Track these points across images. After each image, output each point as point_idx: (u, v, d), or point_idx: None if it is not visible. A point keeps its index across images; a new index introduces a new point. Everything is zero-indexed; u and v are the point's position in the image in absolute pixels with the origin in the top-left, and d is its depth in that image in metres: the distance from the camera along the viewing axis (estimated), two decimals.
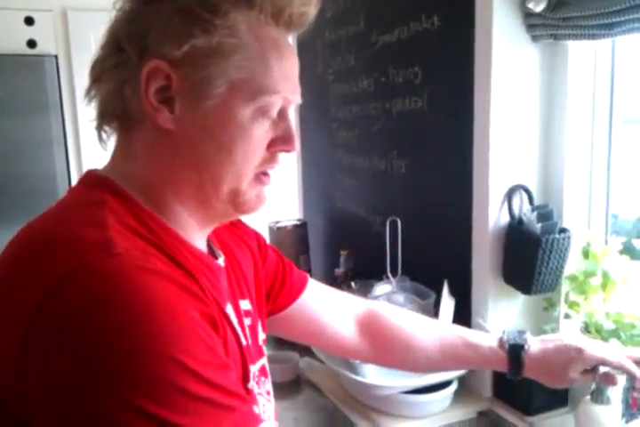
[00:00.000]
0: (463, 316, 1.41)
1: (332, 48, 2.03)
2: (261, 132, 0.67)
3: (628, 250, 1.41)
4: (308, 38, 2.18)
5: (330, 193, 2.12)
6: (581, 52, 1.40)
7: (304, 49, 2.24)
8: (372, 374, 1.28)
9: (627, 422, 0.90)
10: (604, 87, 1.43)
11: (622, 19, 1.18)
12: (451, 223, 1.52)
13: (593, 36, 1.32)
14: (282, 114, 0.69)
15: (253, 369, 0.74)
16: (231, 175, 0.67)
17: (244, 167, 0.67)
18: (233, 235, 0.85)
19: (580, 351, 0.88)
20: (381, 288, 1.43)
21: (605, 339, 1.19)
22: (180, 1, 0.64)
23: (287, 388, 1.50)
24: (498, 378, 1.35)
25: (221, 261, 0.76)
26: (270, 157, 0.70)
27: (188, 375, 0.53)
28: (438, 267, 1.54)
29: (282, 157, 0.72)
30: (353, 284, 1.54)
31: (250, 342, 0.75)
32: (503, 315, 1.38)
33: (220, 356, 0.59)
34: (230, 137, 0.65)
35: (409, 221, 1.62)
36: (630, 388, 0.93)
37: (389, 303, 1.41)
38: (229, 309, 0.72)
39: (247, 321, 0.77)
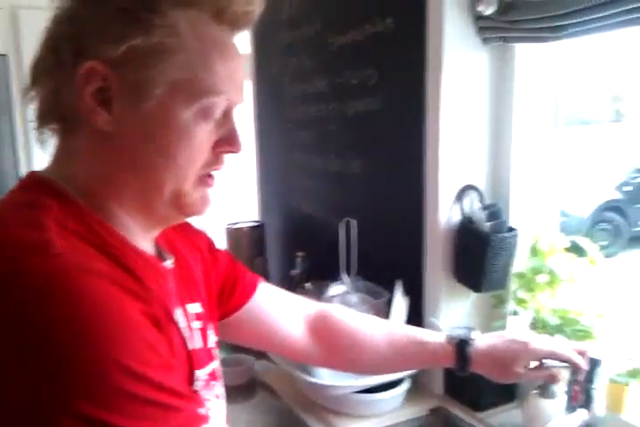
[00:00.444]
0: (417, 315, 1.43)
1: (289, 49, 2.03)
2: (204, 134, 0.67)
3: (576, 248, 1.45)
4: (264, 39, 2.18)
5: (287, 194, 2.12)
6: (529, 55, 1.44)
7: (260, 50, 2.25)
8: (325, 375, 1.29)
9: (567, 414, 0.93)
10: (551, 89, 1.48)
11: (568, 22, 1.21)
12: (404, 223, 1.54)
13: (540, 39, 1.36)
14: (226, 115, 0.69)
15: (203, 373, 0.73)
16: (173, 178, 0.66)
17: (186, 169, 0.66)
18: (182, 238, 0.84)
19: (525, 346, 0.90)
20: (336, 289, 1.44)
21: (551, 334, 1.22)
22: (118, 0, 0.63)
23: (242, 391, 1.49)
24: (449, 376, 1.37)
25: (169, 263, 0.75)
26: (215, 159, 0.69)
27: (129, 377, 0.52)
28: (392, 267, 1.55)
29: (227, 158, 0.71)
30: (307, 285, 1.54)
31: (199, 345, 0.75)
32: (455, 313, 1.41)
33: (162, 356, 0.59)
34: (172, 139, 0.65)
35: (364, 221, 1.64)
36: (573, 381, 0.95)
37: (343, 304, 1.42)
38: (178, 311, 0.72)
39: (197, 324, 0.76)
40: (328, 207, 1.87)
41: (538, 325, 1.28)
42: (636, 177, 6.59)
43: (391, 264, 1.57)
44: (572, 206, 6.24)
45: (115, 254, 0.62)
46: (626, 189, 6.47)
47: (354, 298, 1.41)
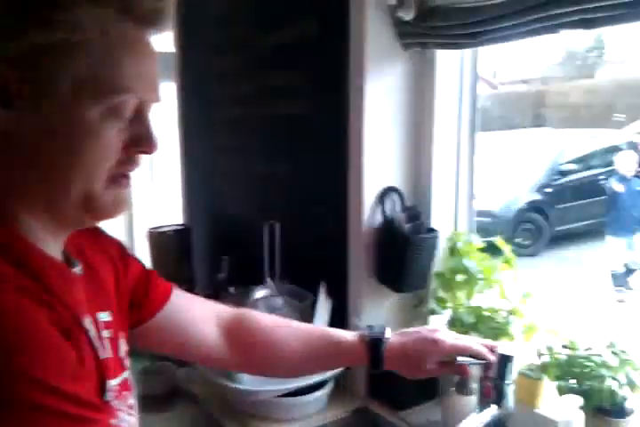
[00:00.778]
0: (341, 316, 1.44)
1: (216, 48, 2.01)
2: (113, 133, 0.65)
3: (493, 248, 1.49)
4: (189, 38, 2.14)
5: (212, 197, 2.09)
6: (448, 61, 1.48)
7: (186, 49, 2.20)
8: (247, 381, 1.27)
9: (480, 410, 0.96)
10: (469, 94, 1.52)
11: (485, 29, 1.25)
12: (328, 226, 1.55)
13: (458, 46, 1.40)
14: (138, 114, 0.67)
15: (113, 383, 0.71)
16: (81, 177, 0.64)
17: (94, 169, 0.64)
18: (92, 244, 0.81)
19: (435, 342, 0.92)
20: (260, 292, 1.43)
21: (466, 332, 1.26)
22: None
23: (163, 400, 1.45)
24: (372, 377, 1.39)
25: (78, 270, 0.72)
26: (127, 159, 0.67)
27: (38, 389, 0.51)
28: (317, 269, 1.56)
29: (141, 158, 0.69)
30: (231, 289, 1.52)
31: (109, 354, 0.72)
32: (378, 313, 1.42)
33: (72, 366, 0.57)
34: (76, 137, 0.62)
35: (289, 224, 1.63)
36: (484, 377, 0.98)
37: (268, 307, 1.41)
38: (87, 320, 0.69)
39: (107, 333, 0.73)
40: (253, 210, 1.86)
41: (456, 323, 1.31)
42: (556, 179, 6.92)
43: (316, 267, 1.57)
44: (498, 208, 6.48)
45: (19, 259, 0.59)
46: (547, 190, 6.79)
47: (278, 301, 1.41)
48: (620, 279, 5.05)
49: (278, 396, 1.26)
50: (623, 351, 1.18)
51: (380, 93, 1.41)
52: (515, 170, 7.06)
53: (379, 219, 1.43)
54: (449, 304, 1.41)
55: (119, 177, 0.68)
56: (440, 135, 1.47)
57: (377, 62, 1.40)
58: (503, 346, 0.99)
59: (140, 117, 0.67)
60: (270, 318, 0.99)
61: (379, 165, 1.43)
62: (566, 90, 16.33)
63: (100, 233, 0.85)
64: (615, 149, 7.48)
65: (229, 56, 1.93)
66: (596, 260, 5.73)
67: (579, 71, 19.70)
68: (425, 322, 1.42)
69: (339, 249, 1.47)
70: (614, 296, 5.06)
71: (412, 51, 1.45)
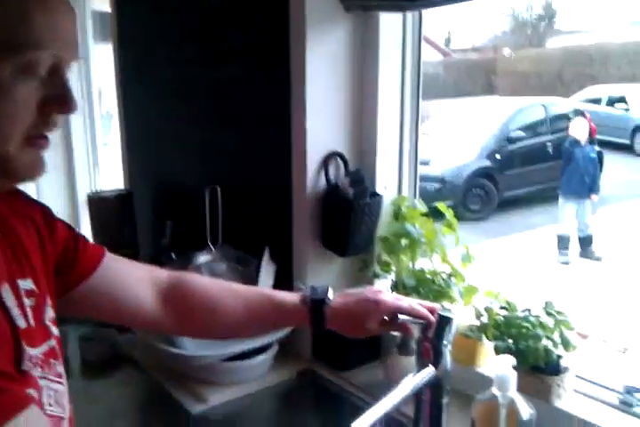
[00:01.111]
0: (285, 281, 1.43)
1: (157, 11, 1.91)
2: (27, 92, 0.62)
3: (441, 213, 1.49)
4: (130, 1, 2.03)
5: (155, 162, 2.02)
6: (391, 25, 1.45)
7: (124, 9, 2.09)
8: (190, 346, 1.26)
9: (418, 370, 0.97)
10: (413, 59, 1.50)
11: None
12: (272, 191, 1.52)
13: (399, 8, 1.37)
14: (54, 72, 0.64)
15: (37, 351, 0.68)
16: None
17: (8, 130, 0.62)
18: (12, 209, 0.77)
19: (377, 303, 0.92)
20: (202, 258, 1.40)
21: (408, 295, 1.27)
22: None
23: (105, 366, 1.43)
24: (316, 338, 1.40)
25: None
26: (44, 119, 0.65)
27: None
28: (261, 234, 1.54)
29: (58, 119, 0.67)
30: (173, 254, 1.49)
31: (32, 323, 0.69)
32: (322, 277, 1.42)
33: None
34: None
35: (233, 189, 1.60)
36: (423, 338, 0.99)
37: (211, 272, 1.39)
38: (3, 287, 0.66)
39: (29, 301, 0.70)
40: (197, 175, 1.81)
41: (398, 286, 1.32)
42: (505, 146, 7.05)
43: (260, 232, 1.55)
44: (449, 174, 6.58)
45: None
46: (496, 157, 6.92)
47: (221, 267, 1.39)
48: (566, 242, 5.22)
49: (222, 360, 1.25)
50: (559, 312, 1.22)
51: (323, 57, 1.37)
52: (466, 137, 7.15)
53: (323, 183, 1.41)
54: (393, 268, 1.42)
55: (36, 138, 0.66)
56: (384, 100, 1.45)
57: (318, 25, 1.36)
58: (443, 308, 1.00)
59: (55, 76, 0.65)
60: (209, 281, 0.97)
61: (322, 129, 1.41)
62: (516, 58, 16.55)
63: (21, 197, 0.80)
64: (563, 117, 7.65)
65: (171, 18, 1.85)
66: (544, 224, 5.91)
67: (529, 40, 19.94)
68: (369, 285, 1.43)
69: (283, 214, 1.45)
70: (559, 258, 5.24)
71: (354, 14, 1.41)
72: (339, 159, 1.43)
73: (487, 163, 6.86)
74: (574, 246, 5.32)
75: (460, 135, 7.27)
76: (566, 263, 5.18)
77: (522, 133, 7.19)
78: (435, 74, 18.07)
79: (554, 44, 18.69)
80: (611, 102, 10.82)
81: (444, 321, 1.00)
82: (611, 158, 6.69)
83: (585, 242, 5.29)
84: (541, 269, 5.05)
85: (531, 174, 6.92)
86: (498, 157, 6.91)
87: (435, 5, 1.38)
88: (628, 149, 9.99)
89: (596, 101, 11.00)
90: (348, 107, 1.44)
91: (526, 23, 24.30)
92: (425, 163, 6.79)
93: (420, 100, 1.55)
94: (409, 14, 1.45)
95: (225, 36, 1.63)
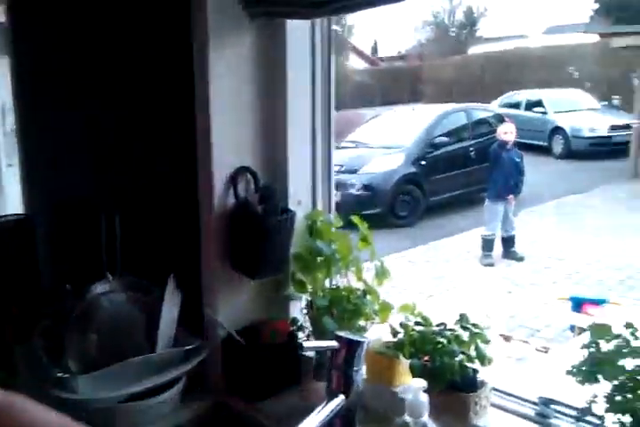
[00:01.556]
0: (194, 308, 1.34)
1: (54, 19, 1.78)
2: None
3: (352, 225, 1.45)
4: (25, 12, 1.90)
5: (54, 184, 1.87)
6: (299, 32, 1.40)
7: (22, 23, 1.95)
8: (85, 387, 1.13)
9: (328, 401, 0.92)
10: (323, 68, 1.46)
11: None
12: (178, 211, 1.43)
13: (304, 15, 1.32)
14: None
15: None
16: None
17: None
18: None
19: None
20: (100, 288, 1.29)
21: (322, 315, 1.22)
22: None
23: None
24: (229, 369, 1.31)
25: None
26: None
27: None
28: (166, 260, 1.45)
29: None
30: (67, 286, 1.37)
31: None
32: (234, 303, 1.34)
33: None
34: None
35: (134, 212, 1.50)
36: (331, 365, 0.94)
37: (110, 303, 1.28)
38: None
39: None
40: (95, 197, 1.69)
41: (313, 307, 1.27)
42: (430, 152, 7.20)
43: (165, 257, 1.46)
44: (376, 181, 6.65)
45: None
46: (422, 163, 7.05)
47: (121, 297, 1.28)
48: (490, 244, 5.35)
49: (120, 401, 1.14)
50: (474, 325, 1.20)
51: (227, 68, 1.31)
52: (393, 144, 7.25)
53: (232, 201, 1.34)
54: (309, 287, 1.36)
55: None
56: (294, 110, 1.40)
57: (221, 33, 1.29)
58: (351, 332, 0.96)
59: None
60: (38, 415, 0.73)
61: (230, 143, 1.34)
62: (441, 65, 17.07)
63: None
64: (484, 122, 7.91)
65: (66, 23, 1.73)
66: (470, 227, 6.05)
67: (452, 47, 20.62)
68: (285, 308, 1.37)
69: (190, 236, 1.37)
70: (482, 261, 5.37)
71: (260, 22, 1.36)
72: (248, 174, 1.37)
73: (413, 169, 6.99)
74: (498, 248, 5.46)
75: (387, 143, 7.38)
76: (491, 265, 5.31)
77: (445, 139, 7.38)
78: (362, 82, 18.37)
79: (476, 50, 19.40)
80: (529, 106, 11.31)
81: (354, 346, 0.95)
82: (531, 160, 6.95)
83: (508, 243, 5.44)
84: (467, 273, 5.15)
85: (455, 179, 7.10)
86: (423, 163, 7.05)
87: (340, 12, 1.35)
88: (546, 151, 10.47)
89: (516, 106, 11.48)
90: (256, 119, 1.38)
91: (449, 31, 25.14)
92: (352, 171, 6.85)
93: (333, 109, 1.51)
94: (317, 21, 1.42)
95: (125, 46, 1.54)
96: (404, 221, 6.63)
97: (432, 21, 26.39)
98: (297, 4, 1.28)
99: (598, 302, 3.54)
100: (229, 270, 1.33)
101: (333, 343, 0.92)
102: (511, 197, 5.25)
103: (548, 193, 7.57)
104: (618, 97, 10.30)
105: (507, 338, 2.66)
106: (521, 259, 5.32)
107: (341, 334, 0.95)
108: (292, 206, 1.40)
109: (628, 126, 9.33)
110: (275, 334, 1.30)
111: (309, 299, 1.31)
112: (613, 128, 9.93)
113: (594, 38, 14.59)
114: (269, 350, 1.27)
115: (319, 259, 1.36)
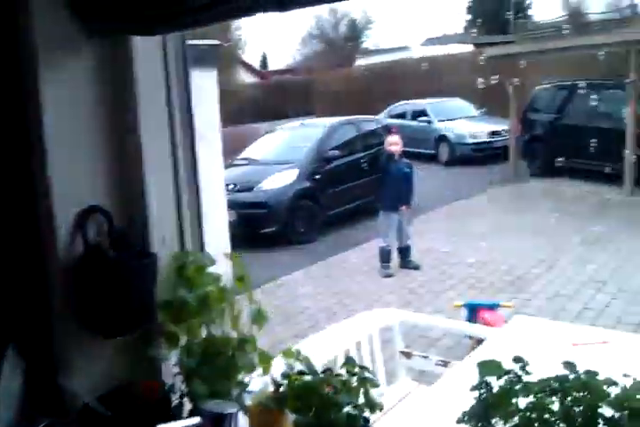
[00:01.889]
0: (47, 377, 1.13)
1: None
2: None
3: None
4: None
5: None
6: (149, 50, 1.25)
7: None
8: None
9: None
10: (180, 85, 1.32)
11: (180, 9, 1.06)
12: (19, 268, 1.21)
13: (147, 31, 1.18)
14: None
15: None
16: None
17: None
18: None
19: None
20: None
21: (192, 377, 1.06)
22: None
23: None
24: None
25: None
26: None
27: None
28: (6, 326, 1.22)
29: None
30: None
31: None
32: (94, 367, 1.15)
33: None
34: None
35: None
36: None
37: None
38: None
39: None
40: None
41: (182, 366, 1.11)
42: (322, 166, 7.18)
43: (5, 323, 1.23)
44: (270, 199, 6.51)
45: None
46: (316, 177, 7.01)
47: None
48: (387, 255, 5.37)
49: None
50: (361, 368, 1.10)
51: (65, 91, 1.14)
52: (286, 159, 7.17)
53: (80, 248, 1.15)
54: (184, 338, 1.20)
55: None
56: (149, 137, 1.24)
57: (54, 52, 1.12)
58: (215, 403, 0.82)
59: None
60: None
61: (74, 178, 1.16)
62: (329, 78, 17.32)
63: None
64: (373, 133, 8.03)
65: None
66: (368, 239, 6.07)
67: (339, 60, 21.05)
68: (155, 366, 1.20)
69: (36, 293, 1.16)
70: (381, 272, 5.38)
71: (103, 39, 1.20)
72: (99, 215, 1.19)
73: (308, 184, 6.93)
74: (395, 258, 5.50)
75: (280, 158, 7.29)
76: (390, 276, 5.33)
77: (337, 152, 7.40)
78: (253, 96, 18.25)
79: (362, 62, 19.89)
80: (415, 116, 11.71)
81: (220, 420, 0.82)
82: (420, 169, 7.12)
83: (404, 253, 5.50)
84: (367, 285, 5.14)
85: (351, 191, 7.14)
86: (318, 177, 7.01)
87: (185, 28, 1.23)
88: (433, 158, 10.85)
89: (402, 116, 11.84)
90: (106, 149, 1.21)
91: (335, 43, 25.68)
92: (246, 189, 6.68)
93: (196, 133, 1.37)
94: (169, 37, 1.28)
95: None
96: (304, 237, 6.53)
97: (317, 34, 26.90)
98: (137, 19, 1.14)
99: (491, 307, 3.62)
100: (85, 330, 1.13)
101: (194, 421, 0.78)
102: (404, 207, 5.31)
103: (439, 200, 7.81)
104: (490, 105, 10.93)
105: (407, 354, 2.62)
106: (417, 267, 5.39)
107: (205, 406, 0.81)
108: (155, 248, 1.24)
109: (505, 132, 9.90)
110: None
111: (180, 355, 1.15)
112: (493, 133, 10.49)
113: (469, 48, 15.47)
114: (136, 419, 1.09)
115: (190, 306, 1.20)
